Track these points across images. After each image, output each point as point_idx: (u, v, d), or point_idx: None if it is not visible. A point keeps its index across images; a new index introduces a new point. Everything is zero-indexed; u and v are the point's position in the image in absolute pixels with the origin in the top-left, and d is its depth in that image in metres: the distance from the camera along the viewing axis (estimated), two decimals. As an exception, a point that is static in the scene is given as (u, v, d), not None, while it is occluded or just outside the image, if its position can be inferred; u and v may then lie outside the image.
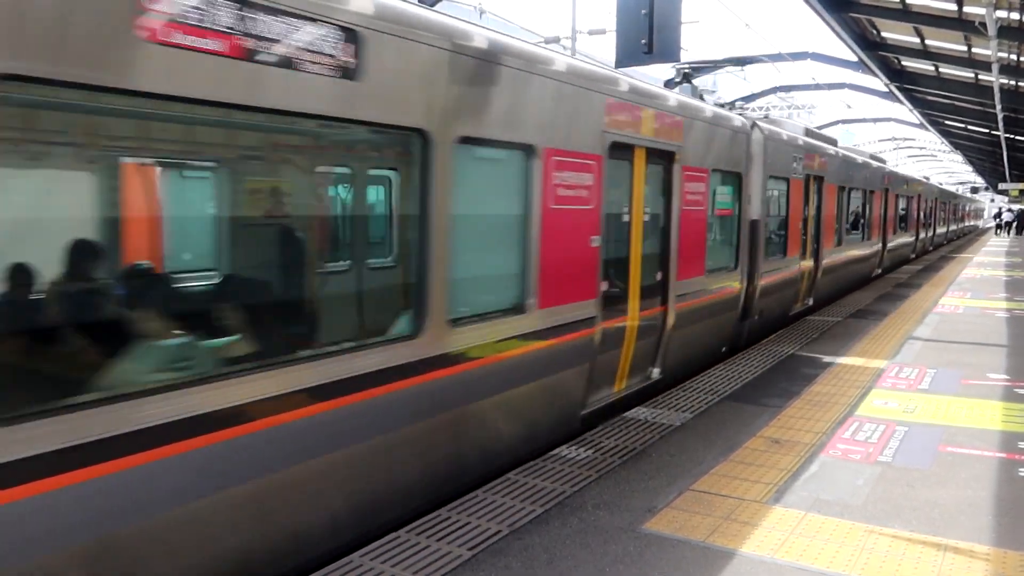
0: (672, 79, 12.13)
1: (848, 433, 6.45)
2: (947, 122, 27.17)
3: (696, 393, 7.69)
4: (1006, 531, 4.61)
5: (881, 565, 4.17)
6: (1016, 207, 55.78)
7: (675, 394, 7.63)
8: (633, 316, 7.40)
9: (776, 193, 11.82)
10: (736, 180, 10.02)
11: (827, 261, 14.56)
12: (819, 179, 13.68)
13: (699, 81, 12.89)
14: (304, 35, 3.90)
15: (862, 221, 17.69)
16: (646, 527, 4.58)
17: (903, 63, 17.95)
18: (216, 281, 5.12)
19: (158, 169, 4.94)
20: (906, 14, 13.11)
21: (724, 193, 9.84)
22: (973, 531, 4.61)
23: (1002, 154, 32.53)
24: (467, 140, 5.12)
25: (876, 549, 4.36)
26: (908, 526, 4.67)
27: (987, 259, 27.86)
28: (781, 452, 5.96)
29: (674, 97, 8.35)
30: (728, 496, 5.07)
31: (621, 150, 6.94)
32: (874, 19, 14.12)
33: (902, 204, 23.61)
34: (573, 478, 5.34)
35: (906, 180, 24.67)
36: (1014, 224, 53.50)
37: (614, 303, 7.03)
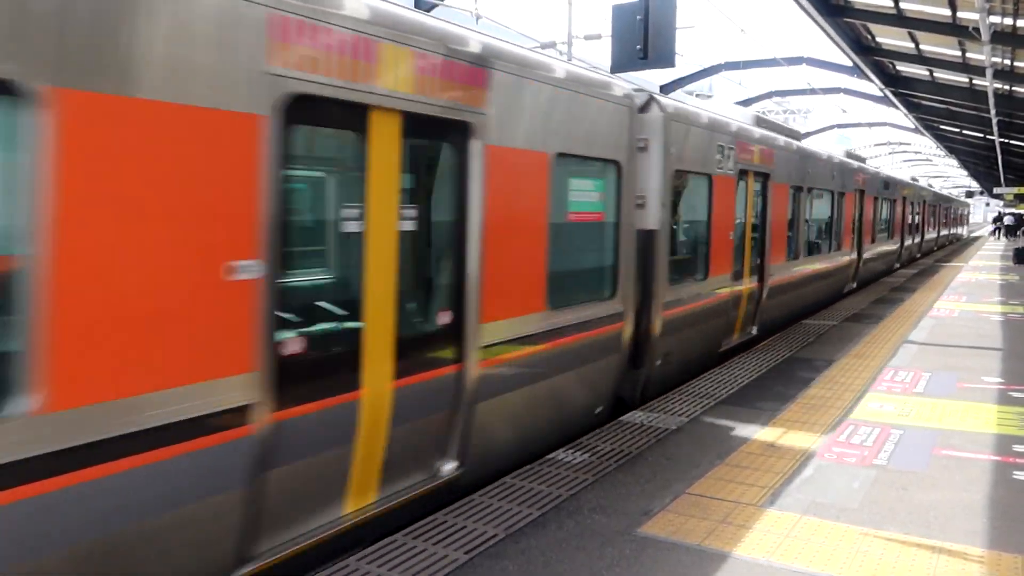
0: None
1: (844, 436, 6.47)
2: (942, 126, 27.24)
3: (692, 397, 7.70)
4: (1000, 534, 4.63)
5: (876, 568, 4.18)
6: (1009, 210, 56.12)
7: (671, 398, 7.65)
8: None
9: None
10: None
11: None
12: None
13: (695, 85, 12.80)
14: None
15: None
16: (642, 530, 4.59)
17: (898, 68, 18.01)
18: None
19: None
20: (900, 19, 13.16)
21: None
22: (968, 534, 4.63)
23: (997, 158, 32.65)
24: None
25: (871, 552, 4.37)
26: (903, 529, 4.68)
27: (983, 263, 27.95)
28: (777, 456, 5.97)
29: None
30: (724, 500, 5.09)
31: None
32: (868, 24, 14.17)
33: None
34: (569, 482, 5.35)
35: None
36: (1015, 227, 53.95)
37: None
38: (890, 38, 15.30)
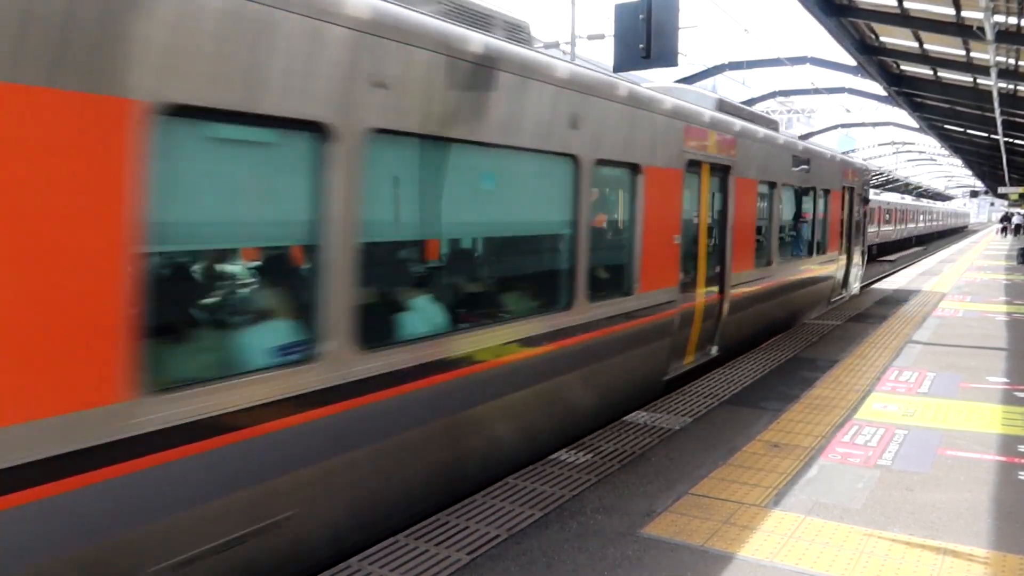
0: None
1: (847, 437, 6.45)
2: (946, 126, 27.18)
3: (695, 397, 7.68)
4: (1005, 534, 4.61)
5: (880, 568, 4.17)
6: (1016, 209, 56.27)
7: (674, 398, 7.63)
8: None
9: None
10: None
11: None
12: None
13: (698, 85, 13.10)
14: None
15: None
16: (645, 531, 4.58)
17: (902, 67, 17.97)
18: None
19: None
20: (904, 19, 13.12)
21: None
22: (972, 534, 4.61)
23: (1001, 158, 32.57)
24: None
25: (875, 552, 4.35)
26: (907, 529, 4.67)
27: (987, 263, 27.89)
28: (780, 456, 5.96)
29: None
30: (727, 500, 5.07)
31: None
32: (872, 24, 14.14)
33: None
34: (572, 482, 5.34)
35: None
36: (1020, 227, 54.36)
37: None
38: (894, 38, 15.26)
